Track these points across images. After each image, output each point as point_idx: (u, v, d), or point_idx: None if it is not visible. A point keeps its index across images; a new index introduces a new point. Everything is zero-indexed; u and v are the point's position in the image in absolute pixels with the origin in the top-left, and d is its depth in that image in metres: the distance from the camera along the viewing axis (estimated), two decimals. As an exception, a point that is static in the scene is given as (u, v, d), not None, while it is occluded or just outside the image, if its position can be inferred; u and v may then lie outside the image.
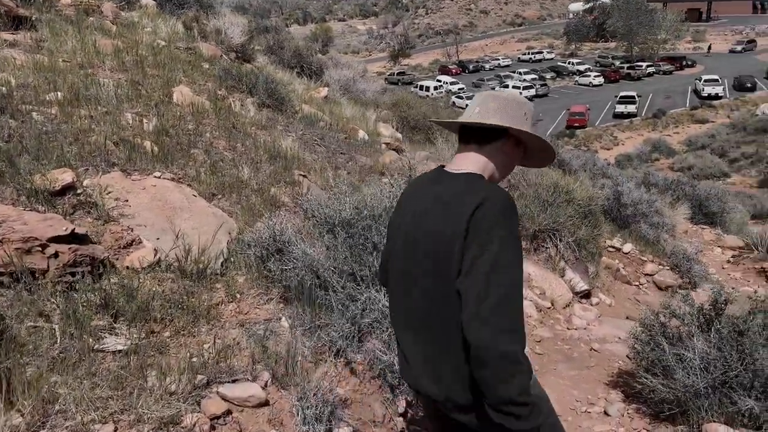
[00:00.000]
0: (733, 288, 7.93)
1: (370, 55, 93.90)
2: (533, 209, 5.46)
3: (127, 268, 3.26)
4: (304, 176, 5.37)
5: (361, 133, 6.79)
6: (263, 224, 3.73)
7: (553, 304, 5.11)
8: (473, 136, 1.84)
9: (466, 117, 1.87)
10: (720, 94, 48.50)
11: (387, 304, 2.94)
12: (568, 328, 5.18)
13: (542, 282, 5.24)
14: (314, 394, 2.64)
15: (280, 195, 4.81)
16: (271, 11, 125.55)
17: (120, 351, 2.61)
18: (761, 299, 3.31)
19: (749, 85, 49.37)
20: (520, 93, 53.54)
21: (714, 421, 3.11)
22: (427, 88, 52.05)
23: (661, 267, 7.28)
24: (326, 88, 9.00)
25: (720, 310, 3.33)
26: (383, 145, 6.77)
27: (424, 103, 9.30)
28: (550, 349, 4.92)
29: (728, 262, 10.01)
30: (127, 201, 3.95)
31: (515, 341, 1.54)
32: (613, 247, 7.35)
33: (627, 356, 4.16)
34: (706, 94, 48.55)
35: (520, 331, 1.58)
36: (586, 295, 5.79)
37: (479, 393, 1.60)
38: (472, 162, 1.83)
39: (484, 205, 1.63)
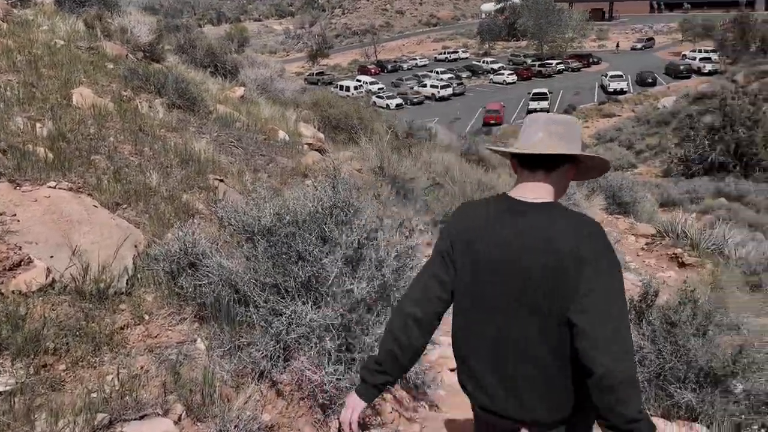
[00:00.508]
0: (650, 275, 8.19)
1: (288, 55, 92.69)
2: (460, 207, 5.38)
3: (14, 292, 2.84)
4: (221, 180, 5.03)
5: (281, 134, 6.48)
6: (173, 235, 3.38)
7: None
8: (541, 163, 1.88)
9: (531, 144, 1.88)
10: (625, 90, 51.08)
11: (314, 317, 2.71)
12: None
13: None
14: (236, 426, 2.36)
15: (193, 202, 4.46)
16: (183, 11, 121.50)
17: (2, 393, 2.23)
18: (690, 288, 3.32)
19: (650, 80, 52.29)
20: (438, 91, 54.94)
21: (652, 416, 3.06)
22: (347, 88, 51.86)
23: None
24: (242, 88, 8.61)
25: (651, 302, 3.30)
26: (305, 146, 6.49)
27: (345, 102, 9.12)
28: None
29: (642, 249, 10.41)
30: (15, 215, 3.49)
31: (633, 364, 1.69)
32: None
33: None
34: (612, 90, 51.03)
35: (632, 354, 1.72)
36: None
37: (561, 413, 1.83)
38: (546, 191, 1.88)
39: (591, 239, 1.74)
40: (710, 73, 50.21)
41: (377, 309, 2.81)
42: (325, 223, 2.94)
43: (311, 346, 2.76)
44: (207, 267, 3.06)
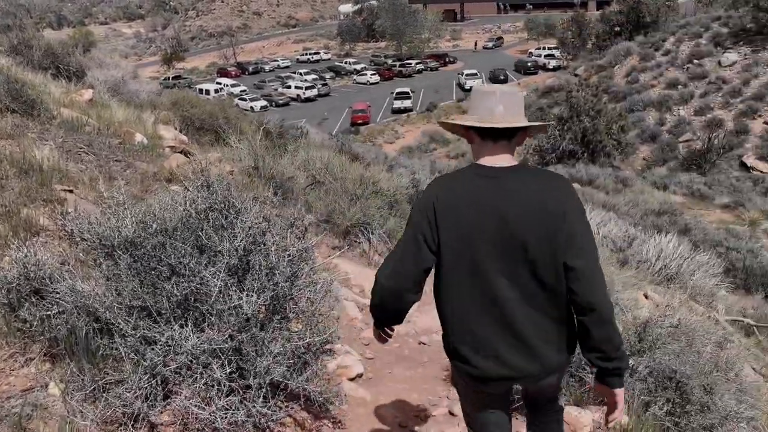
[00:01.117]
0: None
1: (141, 59, 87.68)
2: (343, 204, 5.09)
3: None
4: (70, 191, 4.35)
5: (139, 137, 5.82)
6: (11, 258, 2.78)
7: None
8: (504, 135, 2.04)
9: (495, 118, 2.02)
10: (480, 87, 53.73)
11: (197, 342, 2.29)
12: (394, 325, 4.91)
13: (361, 279, 4.89)
14: (107, 488, 1.90)
15: (36, 217, 3.78)
16: (17, 15, 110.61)
17: None
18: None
19: (502, 77, 55.42)
20: (303, 92, 54.44)
21: (566, 404, 2.97)
22: (207, 92, 49.74)
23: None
24: (90, 90, 7.71)
25: None
26: (167, 149, 5.88)
27: (208, 102, 8.49)
28: (381, 351, 4.59)
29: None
30: None
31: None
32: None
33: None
34: (469, 87, 53.41)
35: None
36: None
37: (565, 355, 2.07)
38: (510, 156, 2.06)
39: (569, 193, 1.99)
40: (554, 69, 54.21)
41: (272, 325, 2.41)
42: (202, 229, 2.49)
43: (196, 377, 2.30)
44: (56, 293, 2.51)
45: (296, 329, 2.43)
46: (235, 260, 2.40)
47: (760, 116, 27.71)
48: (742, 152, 26.12)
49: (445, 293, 2.06)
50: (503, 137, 2.03)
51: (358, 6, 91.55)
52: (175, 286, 2.38)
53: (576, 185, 20.97)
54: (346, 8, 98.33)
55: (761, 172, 24.29)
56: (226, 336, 2.28)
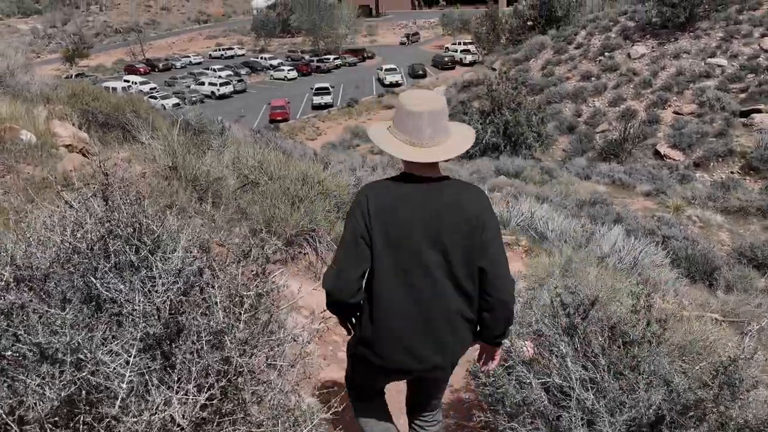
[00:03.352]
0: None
1: (39, 57, 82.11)
2: (283, 208, 4.31)
3: None
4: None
5: (25, 134, 4.79)
6: None
7: (329, 327, 4.02)
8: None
9: (419, 142, 2.15)
10: (399, 82, 53.64)
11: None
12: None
13: (310, 299, 4.12)
14: None
15: None
16: None
17: None
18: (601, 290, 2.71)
19: (421, 72, 55.62)
20: (218, 89, 52.36)
21: None
22: (115, 89, 46.65)
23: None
24: (-37, 82, 6.51)
25: (586, 312, 2.47)
26: (62, 148, 4.89)
27: (113, 95, 7.40)
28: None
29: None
30: None
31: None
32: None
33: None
34: (389, 82, 53.25)
35: None
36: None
37: (465, 348, 2.32)
38: (438, 168, 2.23)
39: (487, 203, 2.20)
40: (471, 64, 54.87)
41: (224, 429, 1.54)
42: (96, 274, 1.63)
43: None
44: None
45: (257, 418, 1.61)
46: (158, 328, 1.54)
47: (669, 106, 28.89)
48: (655, 141, 27.10)
49: (375, 288, 2.17)
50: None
51: (272, 1, 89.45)
52: (48, 385, 1.42)
53: (503, 177, 20.95)
54: (260, 3, 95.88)
55: (674, 159, 25.25)
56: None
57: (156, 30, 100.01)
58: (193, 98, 50.96)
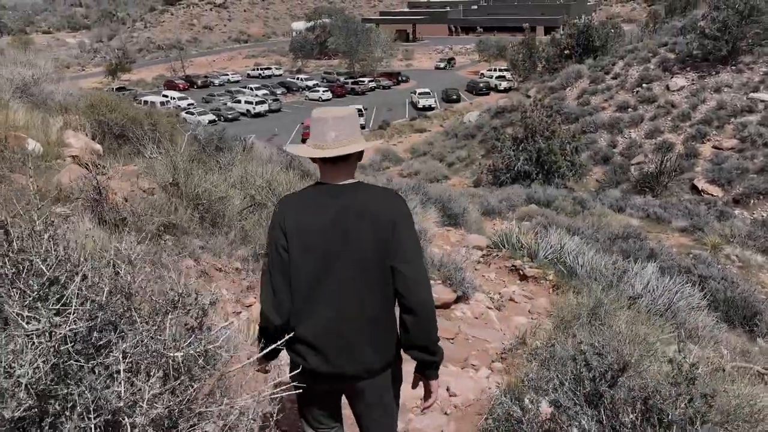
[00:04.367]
0: (499, 294, 7.54)
1: (84, 69, 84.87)
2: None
3: None
4: None
5: (32, 144, 4.64)
6: None
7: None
8: (339, 159, 2.25)
9: (327, 144, 2.23)
10: (433, 106, 53.65)
11: None
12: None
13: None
14: None
15: None
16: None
17: None
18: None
19: (455, 97, 55.58)
20: (253, 107, 53.02)
21: None
22: (153, 104, 47.76)
23: (432, 282, 6.46)
24: (-16, 88, 6.46)
25: (615, 379, 2.04)
26: (68, 159, 4.72)
27: (132, 107, 7.27)
28: None
29: (479, 262, 9.90)
30: None
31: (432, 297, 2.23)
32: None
33: None
34: (422, 106, 53.31)
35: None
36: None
37: (389, 356, 2.28)
38: (349, 174, 2.30)
39: (399, 206, 2.25)
40: (506, 90, 54.59)
41: None
42: None
43: None
44: None
45: None
46: (20, 410, 1.14)
47: (708, 140, 28.07)
48: (693, 175, 26.29)
49: (295, 298, 2.21)
50: (340, 161, 2.24)
51: (312, 23, 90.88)
52: None
53: (534, 206, 20.46)
54: (300, 25, 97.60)
55: (712, 195, 24.41)
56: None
57: (197, 48, 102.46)
58: (229, 115, 51.71)
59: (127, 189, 4.16)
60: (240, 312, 3.35)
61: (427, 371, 2.26)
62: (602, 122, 32.73)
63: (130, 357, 1.29)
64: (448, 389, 3.46)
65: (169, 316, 1.45)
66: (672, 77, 33.51)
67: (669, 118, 30.78)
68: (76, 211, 3.20)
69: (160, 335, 1.38)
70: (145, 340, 1.32)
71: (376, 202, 2.19)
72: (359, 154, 2.32)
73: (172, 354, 1.36)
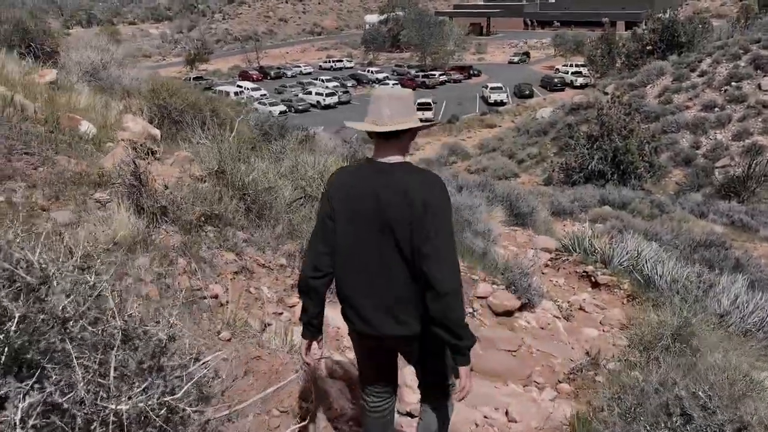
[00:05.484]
0: (568, 302, 7.02)
1: (164, 59, 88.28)
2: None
3: None
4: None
5: (85, 126, 4.55)
6: None
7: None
8: (392, 135, 2.39)
9: (381, 121, 2.38)
10: (504, 101, 52.43)
11: None
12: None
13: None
14: None
15: None
16: (49, 12, 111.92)
17: None
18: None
19: (528, 92, 54.10)
20: (323, 99, 53.50)
21: None
22: (227, 94, 48.96)
23: (495, 286, 6.03)
24: (53, 71, 6.50)
25: None
26: (120, 142, 4.60)
27: (193, 91, 7.20)
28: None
29: (546, 266, 9.34)
30: None
31: (459, 279, 2.30)
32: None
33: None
34: (493, 101, 52.21)
35: (459, 273, 2.34)
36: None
37: (425, 325, 2.36)
38: (398, 153, 2.44)
39: (434, 190, 2.33)
40: (581, 86, 52.68)
41: None
42: None
43: None
44: None
45: None
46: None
47: (804, 144, 26.01)
48: (785, 181, 24.40)
49: (336, 262, 2.42)
50: (392, 137, 2.39)
51: (385, 16, 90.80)
52: None
53: (608, 208, 19.46)
54: (373, 18, 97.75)
55: (807, 203, 22.56)
56: None
57: (272, 39, 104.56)
58: (300, 106, 52.36)
59: (176, 175, 3.98)
60: (281, 313, 3.09)
61: (454, 355, 2.33)
62: (685, 122, 30.91)
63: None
64: (507, 413, 3.08)
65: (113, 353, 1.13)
66: (765, 76, 31.27)
67: (760, 119, 28.74)
68: (113, 196, 3.01)
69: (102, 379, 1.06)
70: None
71: (415, 184, 2.30)
72: (412, 134, 2.47)
73: (113, 406, 1.04)
